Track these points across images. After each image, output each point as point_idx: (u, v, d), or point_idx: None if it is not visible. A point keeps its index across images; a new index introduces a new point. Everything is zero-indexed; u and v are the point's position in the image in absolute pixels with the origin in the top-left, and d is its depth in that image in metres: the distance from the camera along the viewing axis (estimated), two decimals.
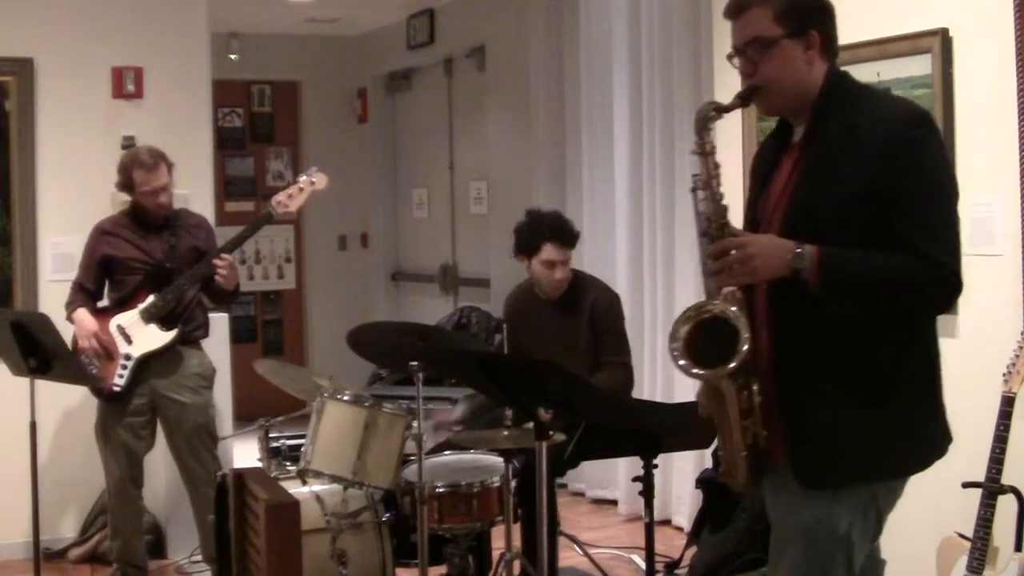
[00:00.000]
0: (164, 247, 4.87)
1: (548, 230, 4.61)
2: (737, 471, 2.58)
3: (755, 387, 2.52)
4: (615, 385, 4.50)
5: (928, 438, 2.57)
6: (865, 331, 2.47)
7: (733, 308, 2.48)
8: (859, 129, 2.48)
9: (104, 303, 4.95)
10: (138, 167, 4.80)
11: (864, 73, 4.25)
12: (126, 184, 4.85)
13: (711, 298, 2.55)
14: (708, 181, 2.56)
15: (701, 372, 2.50)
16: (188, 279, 4.79)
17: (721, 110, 2.60)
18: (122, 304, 4.85)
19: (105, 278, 4.94)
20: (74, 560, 5.47)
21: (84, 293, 4.89)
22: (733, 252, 2.45)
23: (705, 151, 2.57)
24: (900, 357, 2.50)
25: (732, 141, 4.67)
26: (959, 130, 3.96)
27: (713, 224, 2.54)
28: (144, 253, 4.86)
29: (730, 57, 2.63)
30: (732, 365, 2.45)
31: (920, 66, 4.05)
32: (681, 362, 2.50)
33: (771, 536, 2.69)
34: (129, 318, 4.80)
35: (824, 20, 2.59)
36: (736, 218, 2.63)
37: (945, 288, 2.45)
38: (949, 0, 3.98)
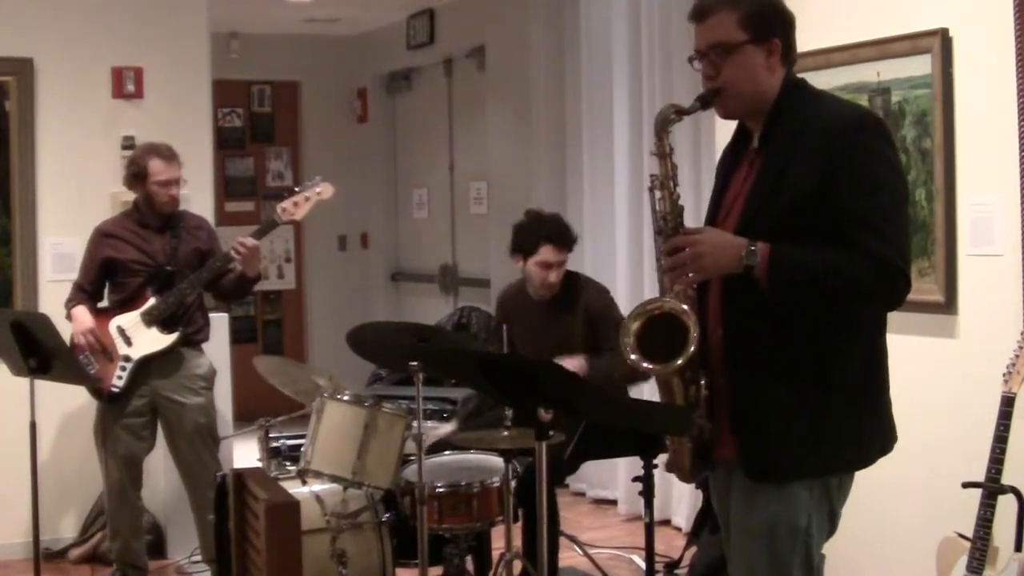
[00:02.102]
0: (166, 249, 4.88)
1: (547, 231, 4.63)
2: (682, 462, 2.67)
3: (703, 382, 2.59)
4: (618, 366, 4.50)
5: (872, 434, 2.60)
6: (812, 329, 2.52)
7: (683, 305, 2.54)
8: (808, 132, 2.53)
9: (104, 304, 4.96)
10: (155, 155, 4.83)
11: (864, 73, 4.25)
12: (138, 173, 4.84)
13: (663, 295, 2.61)
14: (665, 182, 2.64)
15: (651, 367, 2.57)
16: (191, 283, 4.80)
17: (682, 112, 2.66)
18: (123, 306, 4.85)
19: (105, 280, 4.93)
20: (74, 560, 5.47)
21: (84, 294, 4.89)
22: (686, 249, 2.52)
23: (664, 152, 2.64)
24: (845, 354, 2.54)
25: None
26: (959, 130, 3.96)
27: (669, 223, 2.61)
28: (146, 255, 4.86)
29: (691, 60, 2.68)
30: (680, 361, 2.53)
31: (920, 66, 4.05)
32: (632, 357, 2.57)
33: (723, 532, 2.73)
34: (129, 320, 4.80)
35: (785, 29, 2.64)
36: (696, 220, 2.70)
37: (892, 285, 2.48)
38: (949, 0, 3.98)
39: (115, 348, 4.79)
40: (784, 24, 2.64)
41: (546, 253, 4.61)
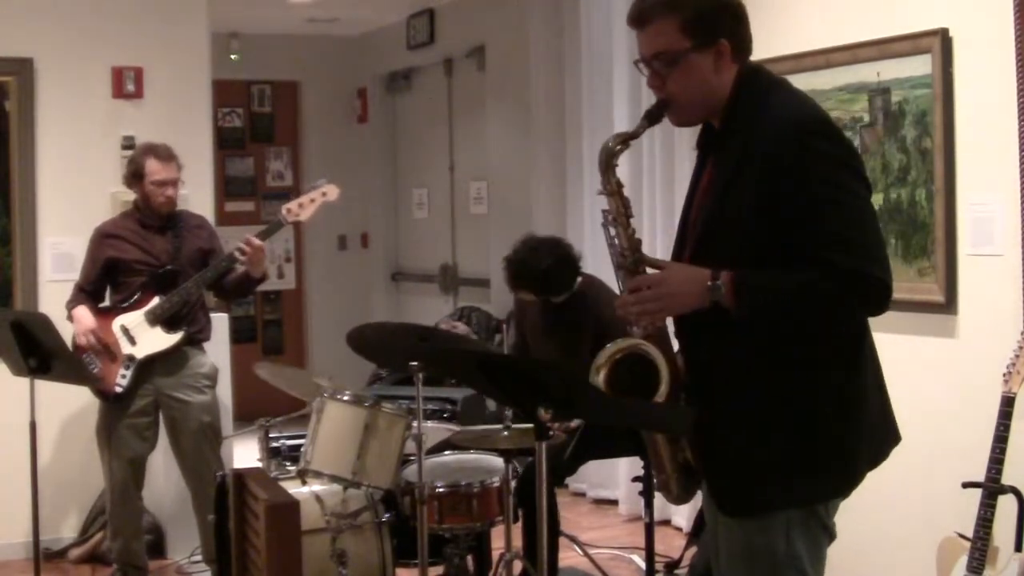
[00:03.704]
0: (169, 248, 4.88)
1: (509, 262, 4.60)
2: (670, 487, 2.60)
3: None
4: None
5: (856, 454, 2.45)
6: (776, 356, 2.39)
7: (647, 345, 2.44)
8: (754, 142, 2.38)
9: (107, 304, 4.95)
10: (152, 155, 4.84)
11: (864, 73, 4.26)
12: (136, 173, 4.86)
13: (630, 326, 2.51)
14: (618, 217, 2.53)
15: None
16: (195, 283, 4.80)
17: (629, 138, 2.52)
18: (126, 305, 4.85)
19: (107, 281, 4.93)
20: (74, 560, 5.47)
21: (84, 295, 4.89)
22: (646, 289, 2.42)
23: (612, 190, 2.52)
24: (817, 381, 2.40)
25: None
26: (959, 130, 3.96)
27: (628, 258, 2.51)
28: (149, 255, 4.86)
29: (636, 63, 2.54)
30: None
31: (920, 66, 4.05)
32: None
33: (711, 547, 2.67)
34: (133, 319, 4.80)
35: (733, 25, 2.46)
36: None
37: (867, 295, 2.33)
38: (949, 0, 3.98)
39: (118, 348, 4.79)
40: (731, 20, 2.46)
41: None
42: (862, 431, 2.45)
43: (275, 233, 5.00)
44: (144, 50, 5.72)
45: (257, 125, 9.19)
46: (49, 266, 5.54)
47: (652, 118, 2.50)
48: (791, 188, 2.32)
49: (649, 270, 2.50)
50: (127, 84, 5.68)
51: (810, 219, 2.32)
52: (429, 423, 4.63)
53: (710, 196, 2.47)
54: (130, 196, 5.05)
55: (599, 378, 2.50)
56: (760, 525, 2.43)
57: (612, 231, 2.54)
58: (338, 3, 7.97)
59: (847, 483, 2.47)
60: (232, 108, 9.03)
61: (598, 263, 6.17)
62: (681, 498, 2.63)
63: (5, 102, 5.50)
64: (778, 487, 2.41)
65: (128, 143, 5.57)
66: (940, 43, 3.97)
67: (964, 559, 3.46)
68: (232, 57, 8.58)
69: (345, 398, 4.12)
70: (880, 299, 2.34)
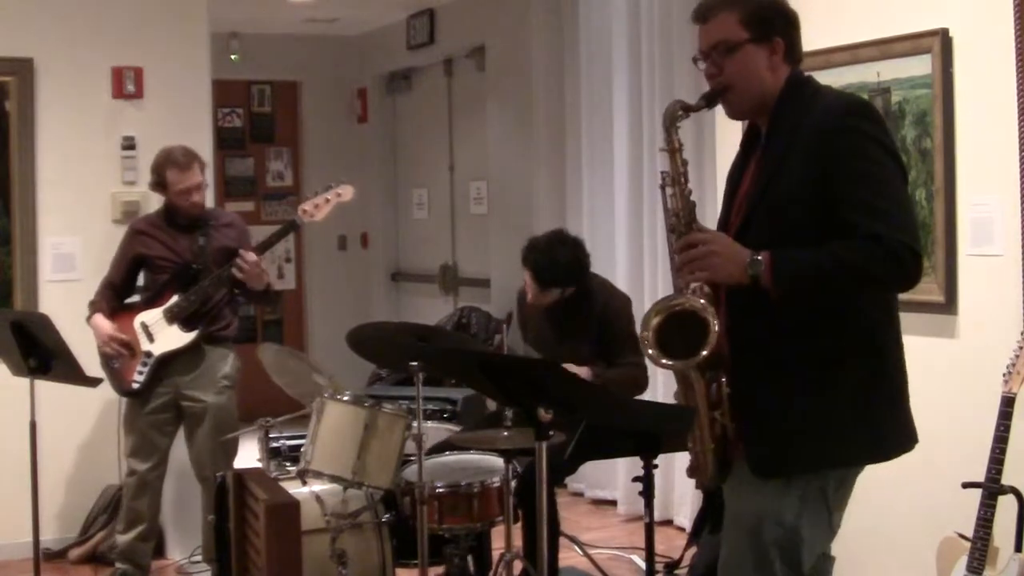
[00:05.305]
0: (194, 247, 4.90)
1: (531, 262, 4.60)
2: (706, 467, 2.66)
3: (724, 379, 2.60)
4: (627, 381, 4.51)
5: (881, 427, 2.59)
6: (814, 323, 2.54)
7: (702, 302, 2.54)
8: (802, 126, 2.57)
9: (135, 299, 5.00)
10: (172, 166, 4.85)
11: (864, 73, 4.26)
12: (159, 183, 4.90)
13: (680, 293, 2.61)
14: (676, 178, 2.66)
15: (669, 362, 2.58)
16: (212, 281, 4.82)
17: (688, 110, 2.69)
18: (149, 302, 4.89)
19: (136, 276, 4.99)
20: (74, 560, 5.48)
21: (111, 290, 4.95)
22: (699, 247, 2.54)
23: (674, 148, 2.66)
24: (849, 346, 2.55)
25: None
26: (959, 130, 3.96)
27: (681, 220, 2.63)
28: (173, 253, 4.90)
29: (695, 60, 2.72)
30: (700, 356, 2.52)
31: (920, 66, 4.05)
32: (650, 351, 2.58)
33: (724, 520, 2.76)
34: (153, 316, 4.84)
35: (787, 28, 2.67)
36: (710, 217, 2.72)
37: (899, 262, 2.46)
38: (949, 0, 3.98)
39: (138, 344, 4.83)
40: (786, 23, 2.67)
41: (527, 276, 4.64)
42: (897, 401, 2.61)
43: (290, 234, 5.02)
44: (144, 50, 5.72)
45: (257, 125, 9.19)
46: (49, 266, 5.54)
47: (709, 100, 2.69)
48: (831, 165, 2.49)
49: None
50: (127, 84, 5.68)
51: (842, 190, 2.48)
52: (429, 423, 4.63)
53: (758, 183, 2.61)
54: (131, 196, 5.07)
55: (653, 322, 2.58)
56: (775, 496, 2.55)
57: (669, 191, 2.66)
58: (338, 3, 7.97)
59: (885, 448, 2.61)
60: (232, 108, 9.03)
61: (598, 263, 6.18)
62: (714, 479, 2.69)
63: (5, 102, 5.50)
64: (808, 448, 2.54)
65: (128, 143, 5.58)
66: (940, 43, 3.97)
67: (964, 559, 3.46)
68: (232, 57, 8.58)
69: (345, 398, 4.12)
70: (909, 265, 2.47)
